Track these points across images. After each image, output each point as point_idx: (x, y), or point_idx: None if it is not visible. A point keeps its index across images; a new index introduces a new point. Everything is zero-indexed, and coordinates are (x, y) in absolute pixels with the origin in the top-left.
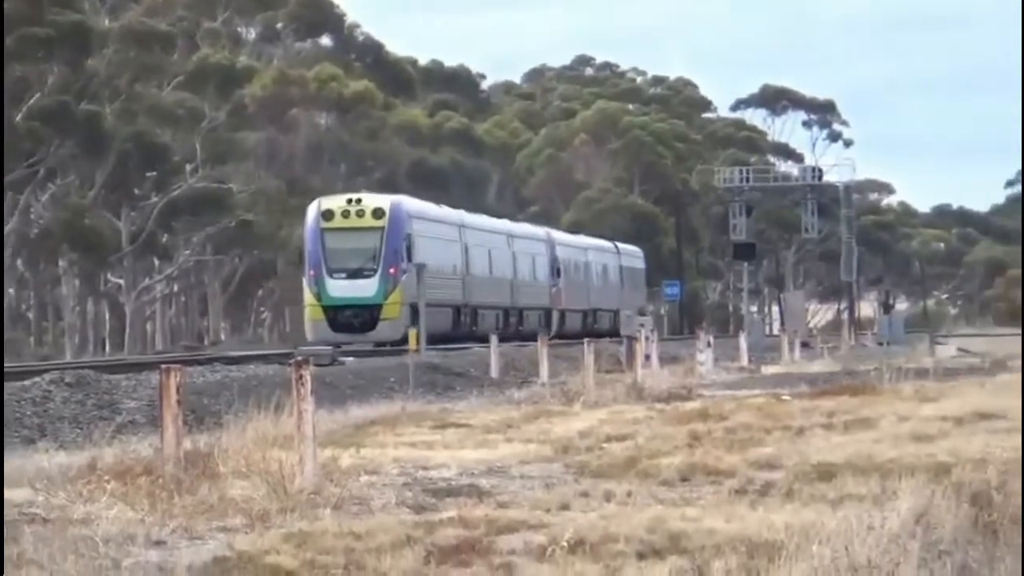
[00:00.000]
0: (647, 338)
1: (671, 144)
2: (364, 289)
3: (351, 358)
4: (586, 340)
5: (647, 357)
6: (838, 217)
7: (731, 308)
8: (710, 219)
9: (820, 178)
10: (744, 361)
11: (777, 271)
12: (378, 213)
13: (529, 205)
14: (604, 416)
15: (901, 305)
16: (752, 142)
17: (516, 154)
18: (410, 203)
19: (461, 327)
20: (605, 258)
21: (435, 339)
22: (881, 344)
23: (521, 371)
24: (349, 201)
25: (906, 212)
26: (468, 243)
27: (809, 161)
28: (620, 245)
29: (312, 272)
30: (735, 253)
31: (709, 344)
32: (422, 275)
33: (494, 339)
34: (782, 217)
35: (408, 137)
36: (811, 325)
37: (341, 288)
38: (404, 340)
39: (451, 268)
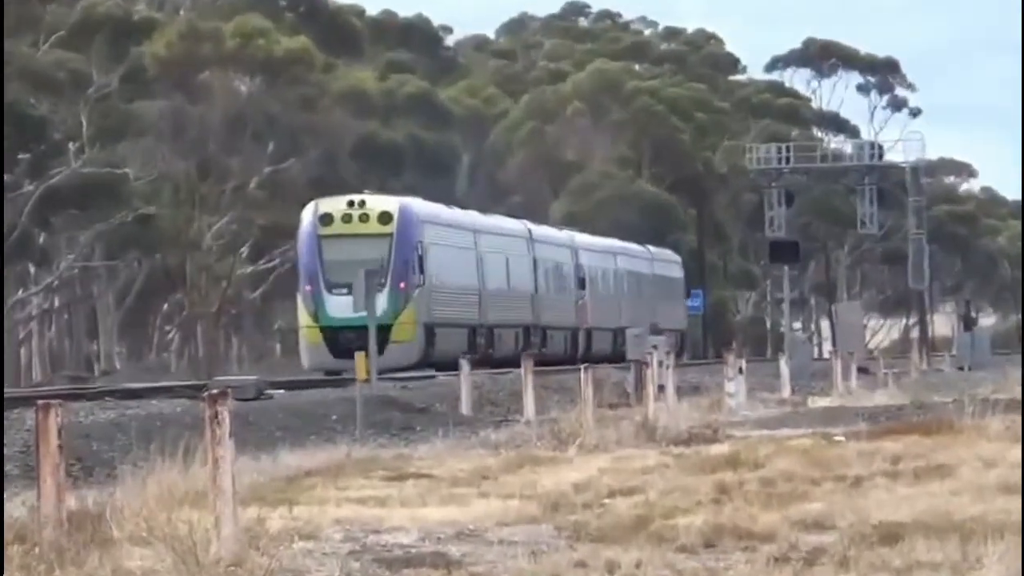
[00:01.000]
0: (661, 363)
1: (689, 115)
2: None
3: (282, 391)
4: (583, 366)
5: (661, 387)
6: (904, 207)
7: (768, 324)
8: (740, 211)
9: (881, 157)
10: (785, 392)
11: (827, 277)
12: (385, 217)
13: (508, 194)
14: (606, 463)
15: (986, 319)
16: (793, 111)
17: (491, 128)
18: (420, 205)
19: (476, 350)
20: (637, 265)
21: (448, 366)
22: (961, 369)
23: (499, 406)
24: (351, 203)
25: (991, 200)
26: (483, 251)
27: (866, 136)
28: (653, 249)
29: (308, 287)
30: (773, 254)
31: (741, 370)
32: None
33: (465, 366)
34: (832, 208)
35: (354, 107)
36: (871, 345)
37: (343, 306)
38: (419, 366)
39: (466, 282)
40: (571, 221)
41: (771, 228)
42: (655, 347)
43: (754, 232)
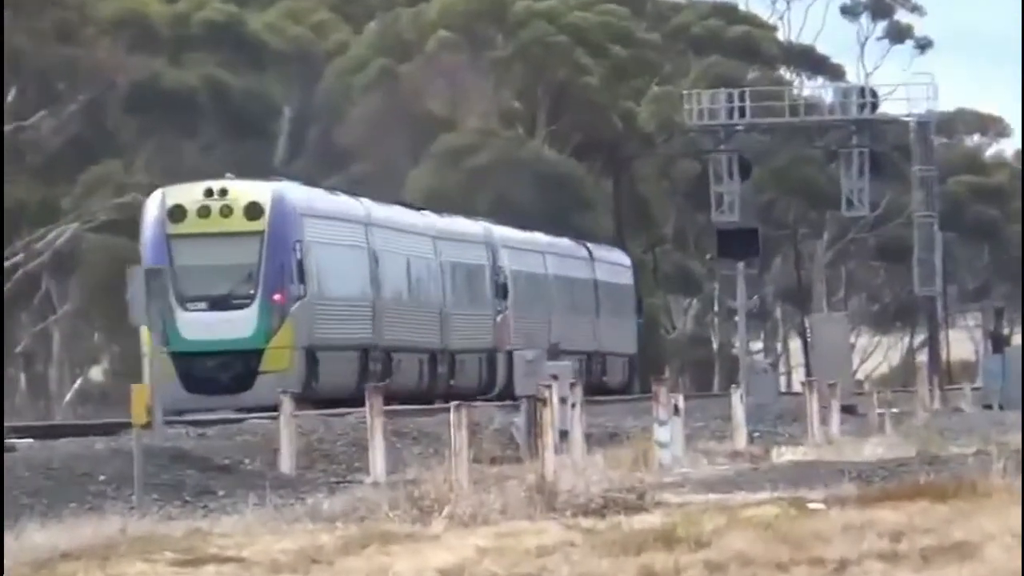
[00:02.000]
0: (564, 400)
1: (603, 49)
2: (235, 327)
3: (29, 440)
4: (452, 405)
5: (563, 434)
6: (907, 180)
7: (716, 345)
8: (676, 185)
9: (874, 109)
10: (740, 440)
11: (798, 278)
12: (253, 210)
13: (347, 160)
14: (487, 542)
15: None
16: (750, 45)
17: (323, 68)
18: (298, 193)
19: (367, 380)
20: (573, 268)
21: (334, 403)
22: (989, 407)
23: (336, 460)
24: (209, 192)
25: None
26: (377, 249)
27: (854, 79)
28: (595, 248)
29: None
30: (722, 246)
31: (677, 410)
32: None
33: (286, 404)
34: (806, 180)
35: (129, 38)
36: (860, 374)
37: (200, 326)
38: (296, 403)
39: (357, 292)
40: (434, 198)
41: (719, 209)
42: (555, 377)
43: (695, 215)
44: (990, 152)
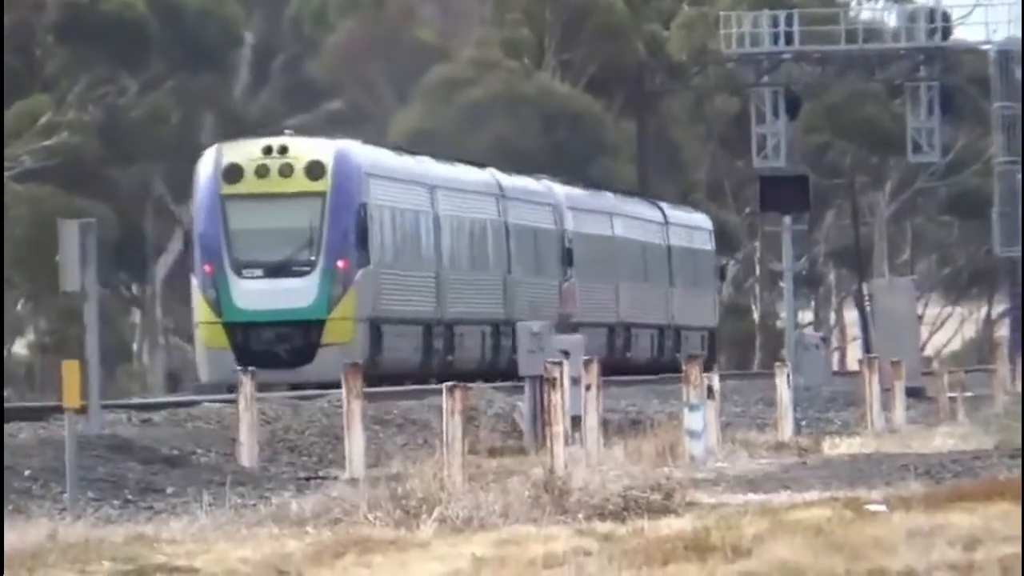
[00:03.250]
0: (577, 381)
1: None
2: (295, 296)
3: None
4: (446, 386)
5: (576, 421)
6: (986, 119)
7: (757, 315)
8: (711, 124)
9: (947, 35)
10: (786, 430)
11: (856, 236)
12: (315, 169)
13: (321, 97)
14: (485, 550)
15: None
16: None
17: None
18: (362, 152)
19: (432, 356)
20: (645, 232)
21: (397, 379)
22: None
23: (305, 452)
24: (267, 150)
25: None
26: (441, 214)
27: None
28: (669, 209)
29: (207, 268)
30: (765, 198)
31: (711, 392)
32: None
33: (247, 384)
34: (866, 119)
35: None
36: (929, 351)
37: (256, 294)
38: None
39: (422, 260)
40: (423, 140)
41: (762, 154)
42: (565, 354)
43: (733, 161)
44: None
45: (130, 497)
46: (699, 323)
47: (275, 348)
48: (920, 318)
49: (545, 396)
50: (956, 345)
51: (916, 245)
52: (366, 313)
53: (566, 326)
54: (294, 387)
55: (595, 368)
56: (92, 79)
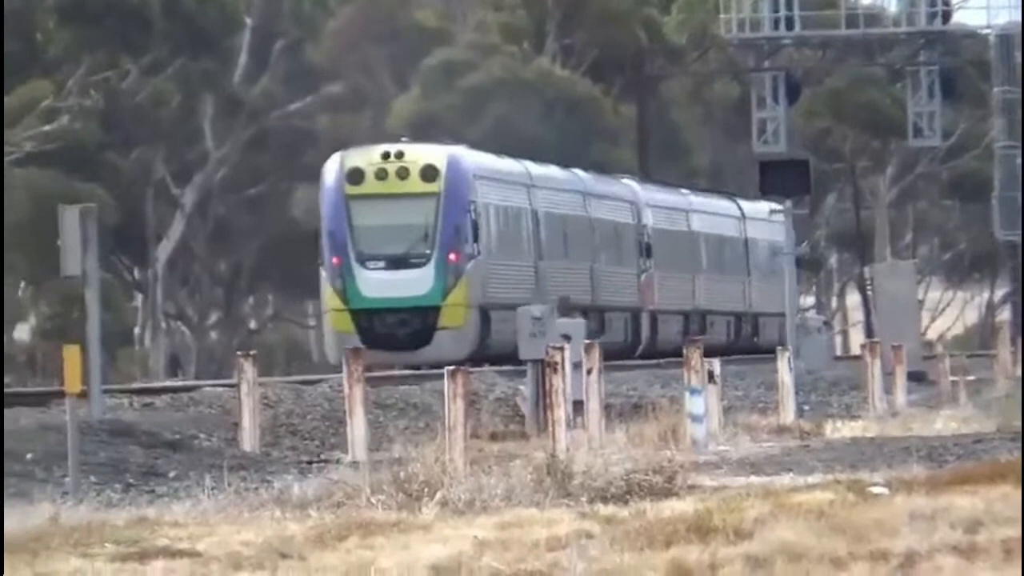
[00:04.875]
0: (577, 365)
1: None
2: (413, 285)
3: None
4: (447, 370)
5: (578, 405)
6: (987, 103)
7: None
8: (712, 109)
9: (948, 19)
10: (788, 413)
11: (857, 220)
12: (429, 172)
13: (321, 81)
14: (488, 532)
15: None
16: None
17: None
18: (470, 156)
19: None
20: (721, 226)
21: (502, 360)
22: None
23: (308, 436)
24: (386, 155)
25: None
26: (539, 211)
27: None
28: (745, 204)
29: (335, 260)
30: (766, 181)
31: (712, 377)
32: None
33: (248, 369)
34: (867, 104)
35: None
36: (931, 335)
37: (379, 284)
38: (471, 360)
39: (523, 252)
40: (423, 125)
41: (763, 138)
42: (568, 337)
43: (734, 145)
44: None
45: (132, 481)
46: (775, 309)
47: (396, 332)
48: (921, 302)
49: (547, 380)
50: (958, 329)
51: (917, 229)
52: (477, 300)
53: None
54: (410, 367)
55: (596, 352)
56: (93, 63)
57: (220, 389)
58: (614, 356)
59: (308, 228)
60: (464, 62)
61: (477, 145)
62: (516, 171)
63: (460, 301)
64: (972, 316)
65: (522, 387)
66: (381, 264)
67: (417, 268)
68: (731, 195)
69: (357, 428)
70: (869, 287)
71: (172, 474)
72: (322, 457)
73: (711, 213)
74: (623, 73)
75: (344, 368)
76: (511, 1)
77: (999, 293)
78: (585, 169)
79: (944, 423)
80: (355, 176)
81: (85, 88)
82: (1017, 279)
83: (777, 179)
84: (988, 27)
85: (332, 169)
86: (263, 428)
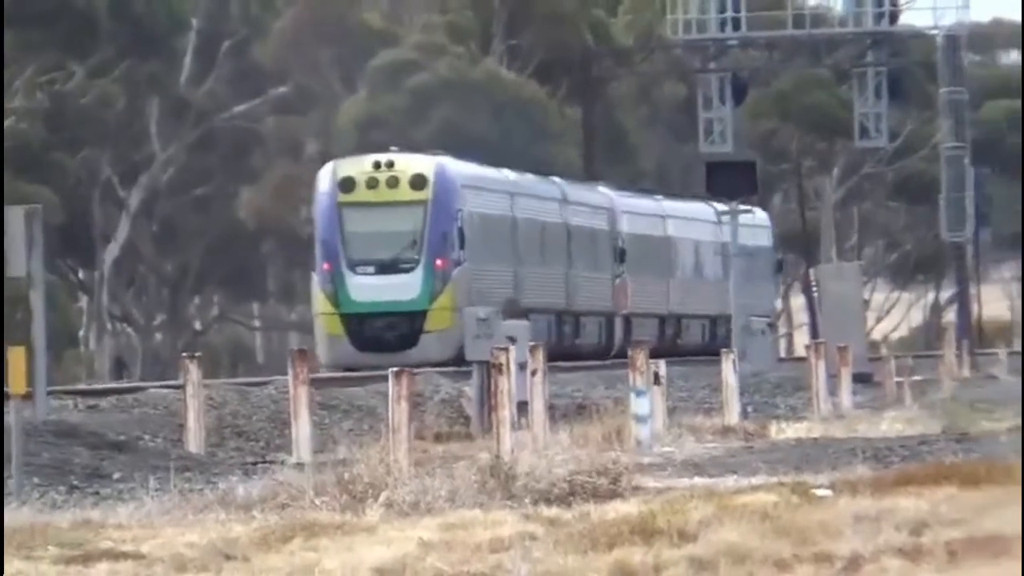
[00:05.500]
0: (521, 366)
1: None
2: (401, 289)
3: None
4: (391, 371)
5: (522, 406)
6: (933, 104)
7: None
8: (658, 110)
9: (894, 20)
10: (733, 414)
11: (803, 221)
12: (418, 181)
13: (267, 82)
14: (431, 534)
15: None
16: None
17: None
18: (457, 165)
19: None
20: (697, 231)
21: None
22: None
23: (252, 437)
24: (377, 165)
25: None
26: (519, 218)
27: None
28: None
29: (326, 266)
30: (712, 182)
31: (657, 378)
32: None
33: (193, 370)
34: (813, 105)
35: None
36: (876, 335)
37: (368, 288)
38: (456, 361)
39: (504, 258)
40: (369, 125)
41: (709, 139)
42: (512, 339)
43: (681, 146)
44: None
45: (76, 483)
46: (756, 314)
47: (385, 334)
48: (867, 303)
49: (492, 381)
50: (904, 331)
51: (863, 230)
52: (462, 303)
53: (513, 311)
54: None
55: (540, 353)
56: (39, 65)
57: (165, 390)
58: (589, 357)
59: (253, 229)
60: (411, 63)
61: (423, 146)
62: (499, 180)
63: (447, 305)
64: (917, 317)
65: (467, 388)
66: (371, 269)
67: (405, 273)
68: (711, 202)
69: (302, 429)
70: (815, 288)
71: (117, 476)
72: (267, 458)
73: (688, 219)
74: (570, 74)
75: (289, 370)
76: (458, 1)
77: (944, 295)
78: (528, 170)
79: (889, 424)
80: (347, 184)
81: (31, 89)
82: (964, 280)
83: (724, 180)
84: (935, 28)
85: (324, 178)
86: (208, 429)
